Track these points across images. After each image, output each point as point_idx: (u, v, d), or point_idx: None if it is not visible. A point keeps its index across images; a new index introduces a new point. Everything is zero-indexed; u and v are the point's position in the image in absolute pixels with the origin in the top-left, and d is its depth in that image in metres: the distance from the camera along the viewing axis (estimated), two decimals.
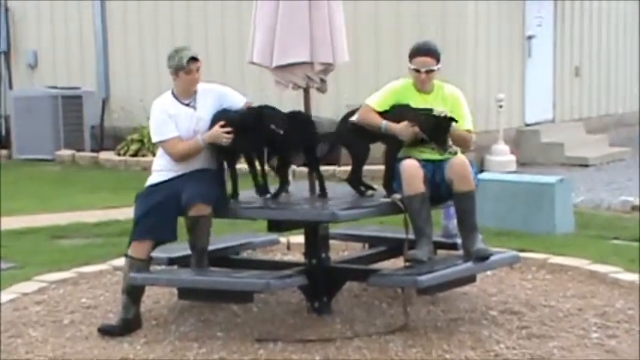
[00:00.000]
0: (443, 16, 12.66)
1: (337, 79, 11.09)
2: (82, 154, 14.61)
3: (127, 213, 7.61)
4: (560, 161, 13.42)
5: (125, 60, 15.26)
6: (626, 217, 9.33)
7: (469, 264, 5.73)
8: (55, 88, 15.09)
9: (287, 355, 5.28)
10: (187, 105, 5.90)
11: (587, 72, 15.77)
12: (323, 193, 5.96)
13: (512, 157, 12.99)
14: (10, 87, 16.24)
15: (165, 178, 5.88)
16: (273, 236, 7.03)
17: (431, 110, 5.74)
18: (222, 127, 5.75)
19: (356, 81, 12.53)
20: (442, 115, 5.69)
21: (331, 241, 6.28)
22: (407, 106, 5.83)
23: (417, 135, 5.71)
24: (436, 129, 5.67)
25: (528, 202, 8.42)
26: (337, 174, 10.58)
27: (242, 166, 5.96)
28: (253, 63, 6.20)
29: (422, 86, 5.89)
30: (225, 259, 6.40)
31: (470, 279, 5.96)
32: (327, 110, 10.35)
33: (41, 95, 14.88)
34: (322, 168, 6.11)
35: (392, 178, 5.81)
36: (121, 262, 6.51)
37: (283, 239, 7.24)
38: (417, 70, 5.84)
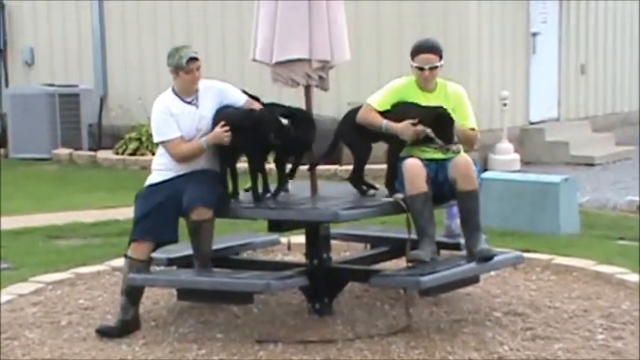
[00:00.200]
0: (445, 14, 12.62)
1: (339, 78, 11.04)
2: (79, 152, 14.57)
3: (125, 213, 7.59)
4: (566, 160, 13.38)
5: (123, 57, 15.23)
6: (632, 217, 9.28)
7: (472, 264, 5.70)
8: (52, 85, 15.04)
9: (287, 356, 5.25)
10: (189, 103, 5.87)
11: (593, 69, 15.72)
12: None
13: (517, 156, 12.95)
14: (7, 85, 16.19)
15: (166, 177, 5.84)
16: (273, 236, 7.01)
17: (429, 110, 5.68)
18: (223, 126, 5.69)
19: (358, 79, 12.50)
20: (447, 112, 5.65)
21: (332, 242, 6.27)
22: (408, 104, 5.79)
23: (420, 134, 5.65)
24: (440, 123, 5.62)
25: (533, 201, 8.39)
26: (339, 173, 10.57)
27: (242, 165, 5.90)
28: (255, 60, 6.17)
29: (425, 84, 5.85)
30: (226, 259, 6.38)
31: (473, 280, 5.93)
32: (328, 108, 10.31)
33: (38, 93, 14.82)
34: (324, 167, 6.04)
35: (394, 178, 5.79)
36: (119, 262, 6.50)
37: (284, 239, 7.22)
38: (421, 68, 5.82)
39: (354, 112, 5.96)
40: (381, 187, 5.95)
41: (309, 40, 5.96)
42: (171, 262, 6.20)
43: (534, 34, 14.03)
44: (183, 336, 5.64)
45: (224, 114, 5.78)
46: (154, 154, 6.13)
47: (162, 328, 5.81)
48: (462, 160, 5.69)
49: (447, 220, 6.62)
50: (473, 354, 5.21)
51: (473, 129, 5.90)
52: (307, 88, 6.15)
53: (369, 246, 6.88)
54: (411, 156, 5.74)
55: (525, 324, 5.75)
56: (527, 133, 13.84)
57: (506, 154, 12.86)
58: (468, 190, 5.65)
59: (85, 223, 9.19)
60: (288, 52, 5.96)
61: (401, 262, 6.22)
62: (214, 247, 5.98)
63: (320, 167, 6.16)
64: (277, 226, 6.02)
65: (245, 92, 6.01)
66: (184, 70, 5.76)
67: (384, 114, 5.79)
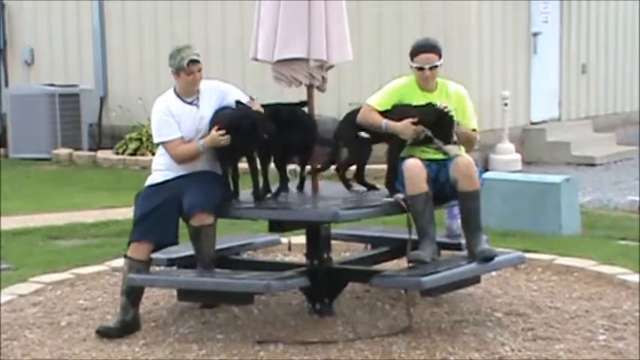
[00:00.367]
0: (446, 14, 12.60)
1: (340, 78, 11.03)
2: (79, 153, 14.54)
3: (125, 213, 7.57)
4: (567, 160, 13.36)
5: (124, 57, 15.19)
6: (633, 217, 9.25)
7: (473, 265, 5.68)
8: (52, 85, 15.01)
9: (288, 356, 5.24)
10: (190, 104, 5.86)
11: (595, 69, 15.68)
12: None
13: (518, 156, 12.93)
14: (6, 84, 16.16)
15: (166, 178, 5.83)
16: (274, 237, 6.99)
17: (432, 105, 5.66)
18: (218, 129, 5.67)
19: (359, 79, 12.48)
20: (445, 109, 5.62)
21: (333, 242, 6.26)
22: (408, 105, 5.78)
23: (420, 134, 5.63)
24: (439, 122, 5.60)
25: (534, 202, 8.37)
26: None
27: (242, 165, 5.88)
28: (257, 59, 6.16)
29: (426, 84, 5.84)
30: (226, 259, 6.36)
31: (474, 280, 5.91)
32: (329, 109, 10.28)
33: (38, 93, 14.79)
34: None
35: (395, 178, 5.77)
36: (119, 262, 6.49)
37: (284, 240, 7.19)
38: (421, 68, 5.81)
39: (354, 113, 5.96)
40: (381, 187, 5.93)
41: (308, 39, 5.95)
42: (171, 262, 6.18)
43: (535, 34, 14.00)
44: (183, 336, 5.63)
45: (218, 117, 5.76)
46: (154, 154, 6.12)
47: (163, 328, 5.80)
48: (463, 161, 5.68)
49: (448, 220, 6.60)
50: (474, 354, 5.20)
51: (474, 130, 5.89)
52: (309, 88, 6.14)
53: (369, 246, 6.86)
54: (412, 156, 5.72)
55: (526, 324, 5.74)
56: (529, 133, 13.81)
57: (507, 154, 12.84)
58: (469, 190, 5.64)
59: (84, 223, 9.17)
60: (288, 50, 5.95)
61: (402, 263, 6.22)
62: (215, 247, 5.98)
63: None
64: (278, 227, 6.00)
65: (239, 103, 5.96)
66: (185, 71, 5.75)
67: (384, 114, 5.77)
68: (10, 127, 15.15)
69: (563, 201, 8.31)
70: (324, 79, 6.13)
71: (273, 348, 5.36)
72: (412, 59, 5.83)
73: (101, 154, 14.30)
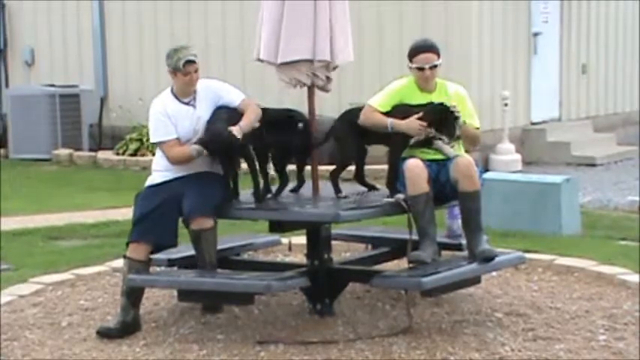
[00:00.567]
0: (446, 14, 12.59)
1: (340, 78, 11.00)
2: (79, 153, 14.53)
3: (125, 213, 7.56)
4: (567, 160, 13.35)
5: (124, 57, 15.19)
6: (634, 217, 9.24)
7: (474, 265, 5.68)
8: (53, 86, 14.99)
9: (288, 357, 5.24)
10: (187, 104, 5.84)
11: (595, 69, 15.67)
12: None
13: (518, 157, 12.92)
14: (7, 85, 16.15)
15: (166, 179, 5.82)
16: (274, 237, 6.98)
17: (438, 103, 5.66)
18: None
19: (359, 80, 12.47)
20: (451, 107, 5.62)
21: (333, 242, 6.25)
22: (408, 105, 5.77)
23: (425, 132, 5.62)
24: (443, 119, 5.59)
25: (534, 202, 8.37)
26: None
27: (242, 165, 5.89)
28: (260, 60, 6.15)
29: (426, 84, 5.84)
30: (226, 260, 6.34)
31: (474, 280, 5.91)
32: (330, 109, 10.26)
33: (38, 93, 14.78)
34: (324, 167, 6.04)
35: (395, 178, 5.76)
36: (119, 263, 6.47)
37: (285, 240, 7.18)
38: (421, 68, 5.81)
39: (349, 113, 5.97)
40: (382, 187, 5.93)
41: (313, 40, 5.94)
42: (171, 262, 6.18)
43: (535, 34, 14.00)
44: (183, 337, 5.62)
45: (199, 140, 5.68)
46: (154, 154, 6.10)
47: (163, 329, 5.79)
48: (464, 161, 5.67)
49: (449, 220, 6.60)
50: (474, 354, 5.20)
51: (477, 128, 5.90)
52: (310, 89, 6.13)
53: (370, 247, 6.86)
54: (413, 156, 5.71)
55: (527, 325, 5.73)
56: (529, 133, 13.81)
57: (507, 154, 12.83)
58: (469, 190, 5.64)
59: (85, 223, 9.16)
60: (292, 53, 5.94)
61: (402, 263, 6.23)
62: None
63: (320, 167, 6.13)
64: (278, 227, 6.00)
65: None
66: (182, 72, 5.74)
67: (385, 115, 5.76)
68: (11, 127, 15.13)
69: (563, 201, 8.31)
70: (328, 78, 6.12)
71: (274, 348, 5.36)
72: (411, 60, 5.83)
73: (101, 155, 14.29)
